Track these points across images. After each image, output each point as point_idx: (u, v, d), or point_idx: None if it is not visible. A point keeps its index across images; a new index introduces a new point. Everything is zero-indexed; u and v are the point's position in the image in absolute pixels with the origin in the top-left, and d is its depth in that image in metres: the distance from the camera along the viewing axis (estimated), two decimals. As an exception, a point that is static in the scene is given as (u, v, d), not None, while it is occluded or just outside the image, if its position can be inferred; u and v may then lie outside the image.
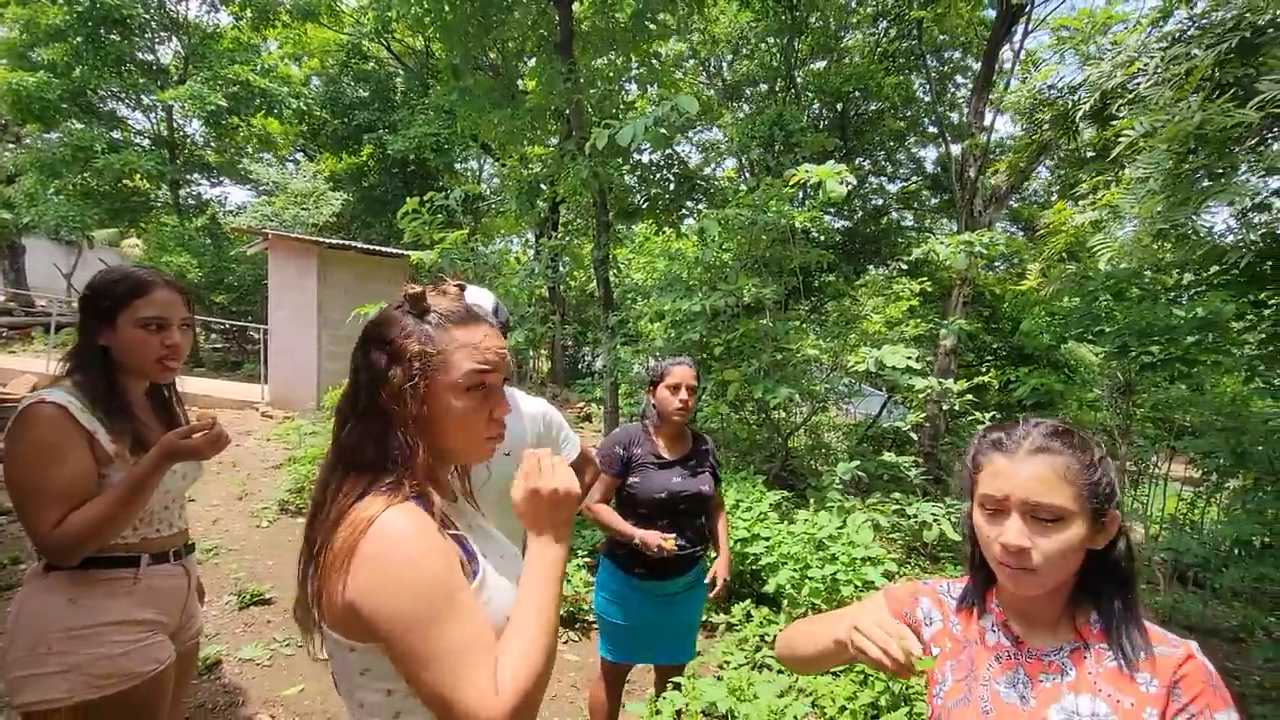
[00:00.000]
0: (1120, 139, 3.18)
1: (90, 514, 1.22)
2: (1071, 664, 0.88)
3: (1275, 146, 3.37)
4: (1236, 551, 4.31)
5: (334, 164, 14.76)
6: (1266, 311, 4.57)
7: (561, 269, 6.90)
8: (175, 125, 12.84)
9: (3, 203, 12.18)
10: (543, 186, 7.61)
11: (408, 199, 4.72)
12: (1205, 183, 3.29)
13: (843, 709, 2.64)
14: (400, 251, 8.89)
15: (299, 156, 15.93)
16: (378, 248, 9.78)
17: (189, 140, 13.46)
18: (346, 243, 9.55)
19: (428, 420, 0.85)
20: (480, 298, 1.66)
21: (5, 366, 8.32)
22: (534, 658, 0.77)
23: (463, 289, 1.02)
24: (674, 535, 2.04)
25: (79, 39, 10.72)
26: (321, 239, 9.44)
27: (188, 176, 13.39)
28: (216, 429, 1.35)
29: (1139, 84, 3.22)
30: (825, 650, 1.04)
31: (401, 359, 0.84)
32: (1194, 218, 2.93)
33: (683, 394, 2.13)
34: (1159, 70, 3.00)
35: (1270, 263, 3.86)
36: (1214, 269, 4.43)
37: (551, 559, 0.88)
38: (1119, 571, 0.89)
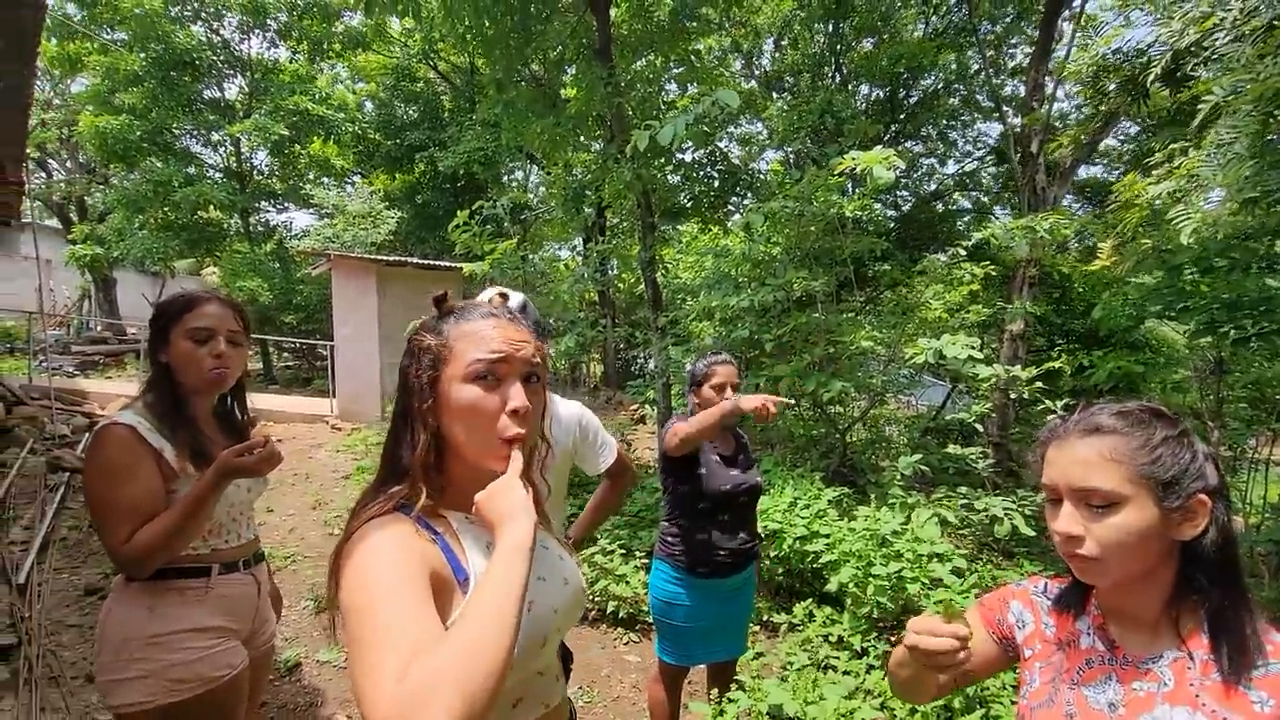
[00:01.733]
0: (1200, 103, 2.96)
1: (157, 529, 1.30)
2: (1171, 673, 0.80)
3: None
4: (1352, 540, 3.94)
5: (388, 183, 15.33)
6: (1376, 277, 4.18)
7: (610, 272, 6.95)
8: (243, 157, 13.61)
9: (96, 239, 13.18)
10: (588, 192, 7.68)
11: (458, 212, 4.84)
12: (1299, 141, 3.02)
13: (913, 711, 2.55)
14: (453, 265, 9.15)
15: (356, 179, 16.65)
16: (432, 262, 10.10)
17: (255, 170, 14.25)
18: (402, 259, 9.90)
19: (438, 414, 0.85)
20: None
21: (103, 391, 8.99)
22: (460, 654, 0.63)
23: (505, 297, 1.03)
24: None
25: (154, 82, 11.51)
26: (379, 257, 9.81)
27: (256, 205, 14.15)
28: (270, 447, 1.41)
29: (1215, 40, 2.99)
30: (908, 670, 1.01)
31: (415, 355, 0.87)
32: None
33: (728, 393, 2.11)
34: (1237, 25, 2.77)
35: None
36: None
37: (506, 550, 0.74)
38: (1212, 566, 0.80)
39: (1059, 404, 4.05)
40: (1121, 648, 0.86)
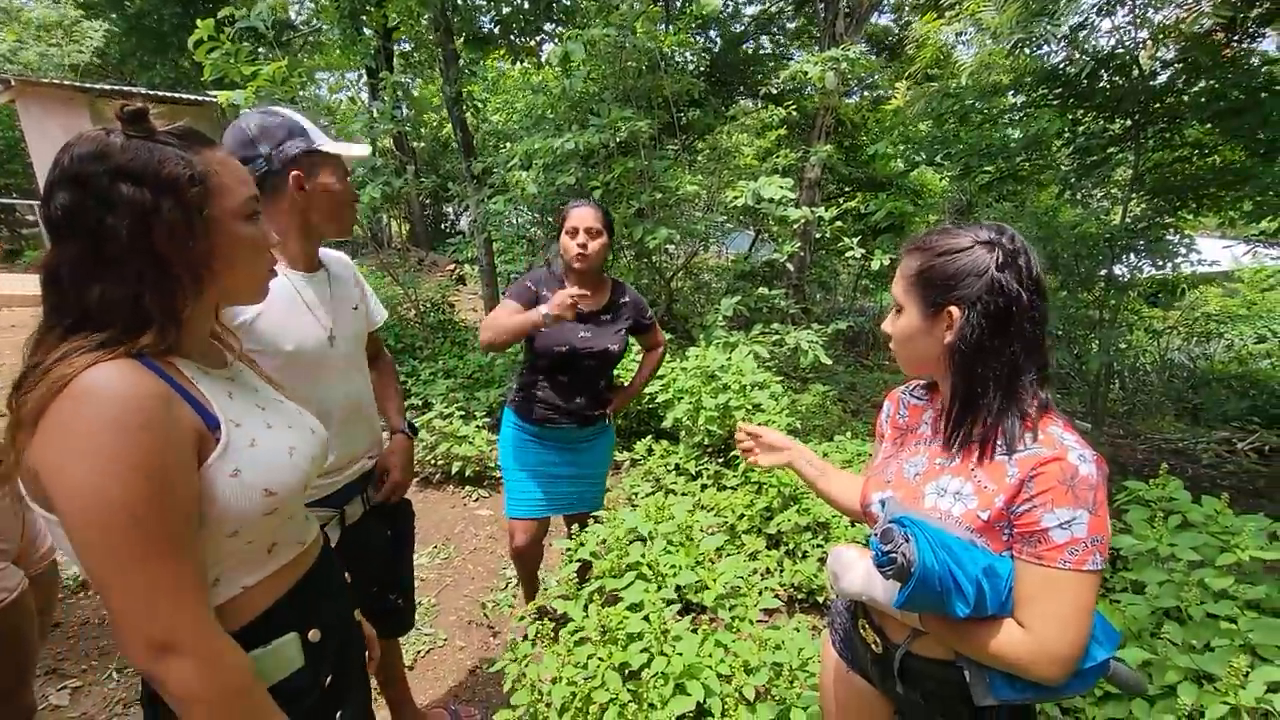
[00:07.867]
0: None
1: None
2: (962, 454, 0.95)
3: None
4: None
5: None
6: (1080, 129, 5.08)
7: (405, 110, 6.04)
8: None
9: None
10: (370, 8, 6.40)
11: (200, 23, 3.75)
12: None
13: (741, 516, 2.93)
14: (201, 97, 7.38)
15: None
16: (171, 94, 8.04)
17: None
18: (125, 88, 7.75)
19: (210, 256, 0.75)
20: (356, 150, 1.34)
21: None
22: None
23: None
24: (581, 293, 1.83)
25: None
26: (91, 85, 7.57)
27: None
28: None
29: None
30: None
31: (172, 188, 0.70)
32: (1049, 27, 3.02)
33: (581, 238, 1.96)
34: None
35: (1087, 81, 4.20)
36: (1042, 90, 4.77)
37: None
38: (968, 370, 0.92)
39: (854, 241, 4.51)
40: (939, 433, 1.03)
